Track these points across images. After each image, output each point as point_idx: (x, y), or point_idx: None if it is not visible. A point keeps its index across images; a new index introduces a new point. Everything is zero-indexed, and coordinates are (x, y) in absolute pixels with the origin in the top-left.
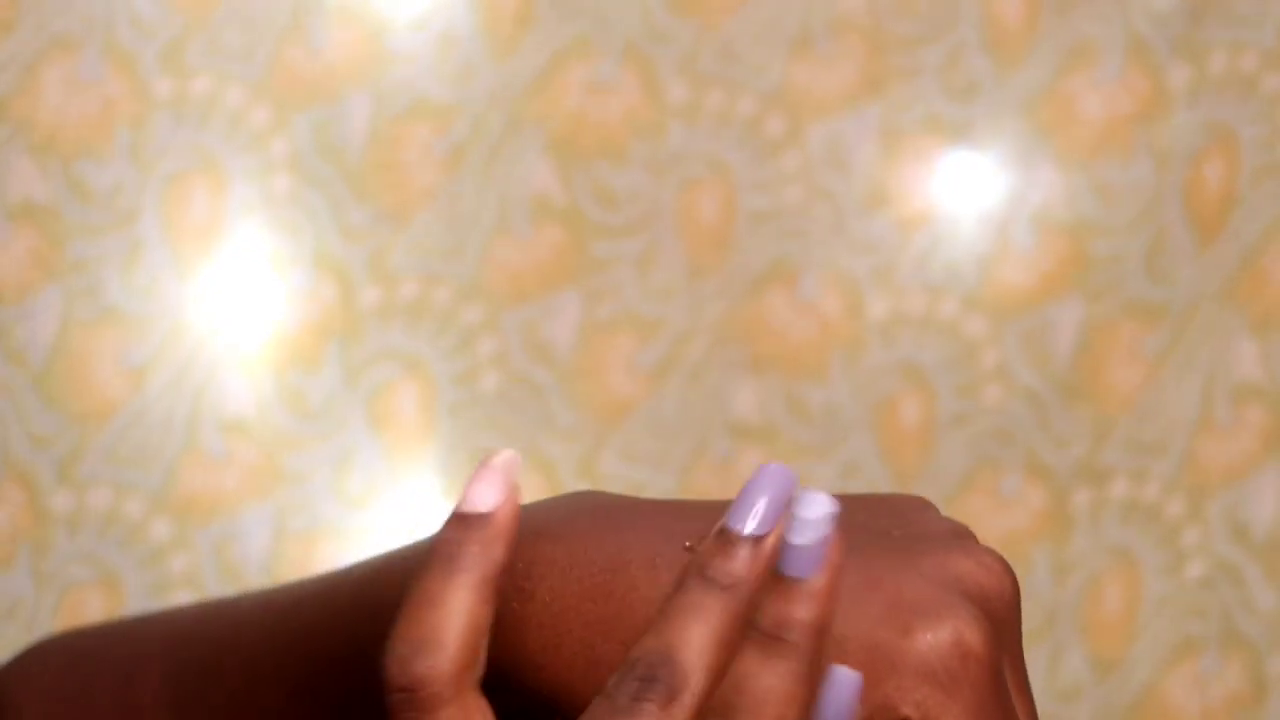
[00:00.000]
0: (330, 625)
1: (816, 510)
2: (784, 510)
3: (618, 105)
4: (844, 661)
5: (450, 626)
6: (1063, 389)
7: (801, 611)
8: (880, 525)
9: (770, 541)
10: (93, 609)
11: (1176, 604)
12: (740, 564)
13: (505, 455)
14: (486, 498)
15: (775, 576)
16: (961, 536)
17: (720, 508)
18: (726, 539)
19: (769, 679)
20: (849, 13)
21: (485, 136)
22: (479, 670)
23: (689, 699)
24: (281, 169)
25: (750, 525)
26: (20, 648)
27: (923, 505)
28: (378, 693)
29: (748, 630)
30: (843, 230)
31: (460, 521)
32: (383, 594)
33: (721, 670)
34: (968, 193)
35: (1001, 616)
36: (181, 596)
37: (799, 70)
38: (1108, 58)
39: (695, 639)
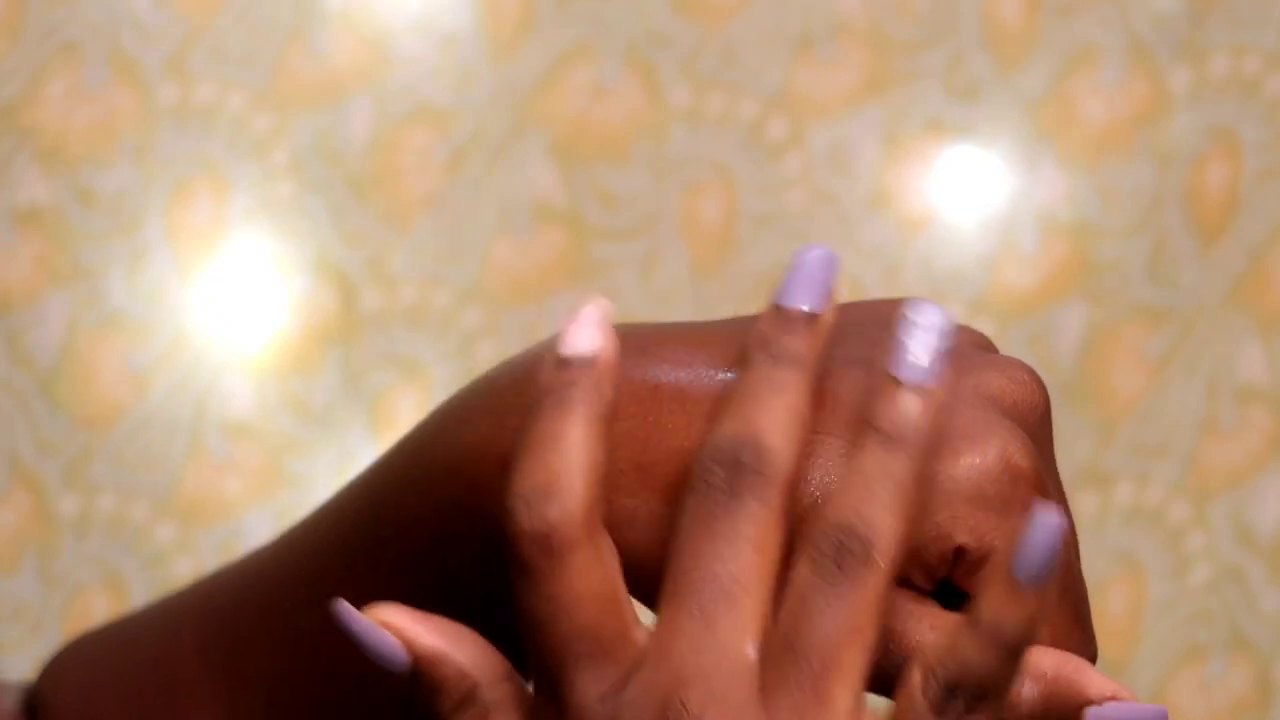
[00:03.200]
0: (345, 535)
1: (934, 318)
2: (831, 289)
3: (619, 108)
4: None
5: (574, 467)
6: (1066, 392)
7: (918, 414)
8: None
9: (825, 319)
10: (98, 611)
11: (1181, 608)
12: (803, 340)
13: (599, 302)
14: (587, 340)
15: (888, 380)
16: (985, 348)
17: (734, 329)
18: (785, 316)
19: (895, 467)
20: (850, 16)
21: (486, 140)
22: (604, 509)
23: (780, 482)
24: (283, 175)
25: (805, 302)
26: (27, 648)
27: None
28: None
29: (863, 428)
30: (845, 233)
31: (565, 364)
32: (374, 514)
33: (803, 447)
34: (970, 195)
35: (1035, 429)
36: None
37: (801, 73)
38: (1109, 60)
39: (777, 416)
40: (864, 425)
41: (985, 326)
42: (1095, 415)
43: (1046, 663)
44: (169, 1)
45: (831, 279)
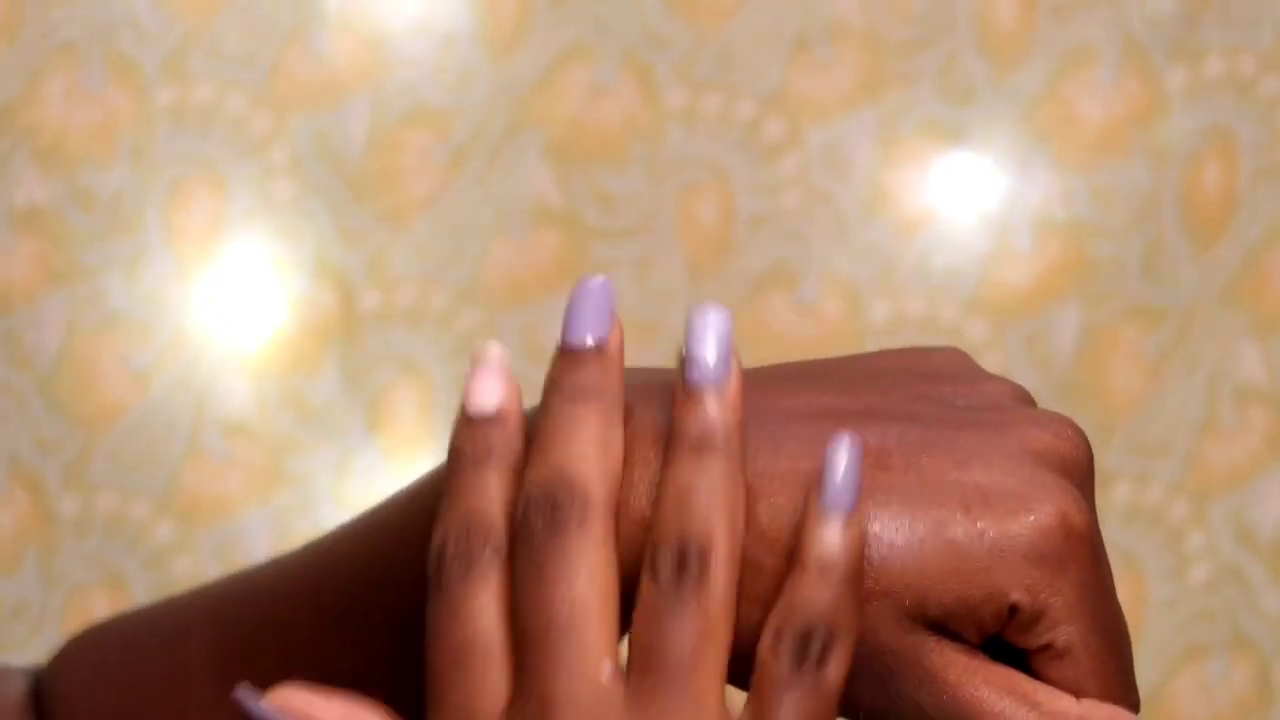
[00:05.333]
0: (365, 559)
1: (715, 318)
2: (612, 314)
3: (616, 110)
4: (949, 550)
5: (492, 509)
6: (1063, 392)
7: (718, 414)
8: (942, 394)
9: (613, 345)
10: (98, 610)
11: (1182, 608)
12: (593, 372)
13: (495, 351)
14: (491, 397)
15: (686, 390)
16: (1026, 402)
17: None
18: (570, 353)
19: (709, 479)
20: (846, 17)
21: (484, 141)
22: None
23: (597, 507)
24: (282, 175)
25: (589, 334)
26: (27, 646)
27: (967, 361)
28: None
29: (673, 443)
30: (842, 233)
31: (474, 424)
32: (412, 523)
33: (614, 471)
34: (966, 196)
35: (1082, 483)
36: None
37: (797, 74)
38: (1104, 61)
39: (582, 450)
40: (672, 438)
41: (981, 327)
42: (1093, 415)
43: (1096, 718)
44: (167, 2)
45: (609, 304)
